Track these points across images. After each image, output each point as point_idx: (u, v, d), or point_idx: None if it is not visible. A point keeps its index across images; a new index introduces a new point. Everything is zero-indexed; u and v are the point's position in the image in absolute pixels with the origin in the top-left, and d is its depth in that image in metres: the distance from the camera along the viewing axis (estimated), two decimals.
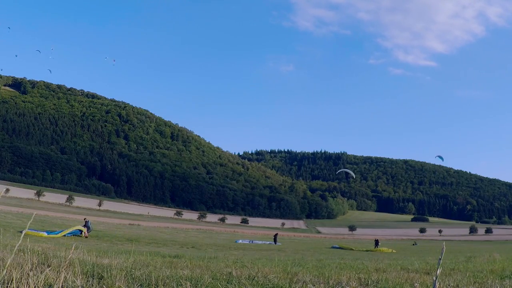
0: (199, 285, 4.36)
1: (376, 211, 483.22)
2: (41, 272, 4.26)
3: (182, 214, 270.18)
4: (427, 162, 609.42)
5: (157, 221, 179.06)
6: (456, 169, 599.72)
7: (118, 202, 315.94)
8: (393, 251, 67.16)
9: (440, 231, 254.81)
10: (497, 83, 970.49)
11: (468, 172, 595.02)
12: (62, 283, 3.64)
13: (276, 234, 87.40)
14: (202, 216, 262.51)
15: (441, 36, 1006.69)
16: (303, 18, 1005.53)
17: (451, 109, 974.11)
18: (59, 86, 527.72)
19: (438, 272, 3.83)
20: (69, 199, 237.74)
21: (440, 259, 3.77)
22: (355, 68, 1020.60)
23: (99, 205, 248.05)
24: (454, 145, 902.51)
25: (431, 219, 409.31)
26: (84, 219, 56.39)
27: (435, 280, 3.81)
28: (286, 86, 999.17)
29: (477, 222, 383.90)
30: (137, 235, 64.45)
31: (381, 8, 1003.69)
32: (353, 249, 70.16)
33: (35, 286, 3.39)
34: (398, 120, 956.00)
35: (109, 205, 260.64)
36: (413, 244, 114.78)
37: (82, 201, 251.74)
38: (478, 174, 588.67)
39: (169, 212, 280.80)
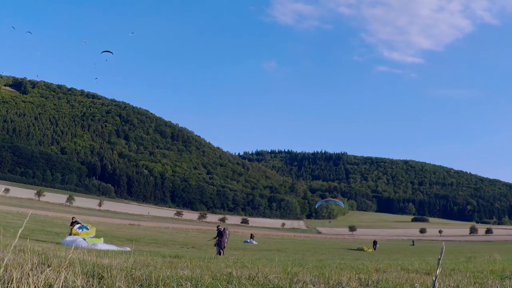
0: (199, 285, 4.37)
1: (376, 211, 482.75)
2: (41, 272, 4.26)
3: (182, 214, 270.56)
4: (427, 162, 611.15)
5: (157, 221, 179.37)
6: (456, 169, 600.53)
7: (118, 202, 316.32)
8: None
9: (440, 232, 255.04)
10: (490, 81, 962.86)
11: (468, 172, 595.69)
12: (62, 283, 3.64)
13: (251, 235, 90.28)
14: (202, 216, 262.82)
15: (426, 31, 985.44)
16: (282, 13, 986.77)
17: (446, 108, 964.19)
18: (59, 86, 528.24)
19: (437, 272, 3.84)
20: (69, 199, 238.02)
21: (439, 259, 3.79)
22: (340, 65, 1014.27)
23: (99, 205, 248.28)
24: (454, 145, 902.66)
25: (431, 219, 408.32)
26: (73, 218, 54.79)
27: (435, 280, 3.83)
28: (274, 84, 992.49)
29: (477, 222, 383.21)
30: (137, 235, 64.48)
31: (362, 2, 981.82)
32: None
33: (35, 286, 3.39)
34: (395, 120, 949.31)
35: (109, 205, 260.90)
36: (411, 245, 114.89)
37: (83, 201, 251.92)
38: (479, 175, 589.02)
39: (169, 212, 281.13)
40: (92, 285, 4.07)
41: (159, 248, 29.78)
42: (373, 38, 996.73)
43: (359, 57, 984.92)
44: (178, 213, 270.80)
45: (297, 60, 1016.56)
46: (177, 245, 40.49)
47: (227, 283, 4.44)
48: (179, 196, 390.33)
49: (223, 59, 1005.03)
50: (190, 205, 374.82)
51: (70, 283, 3.82)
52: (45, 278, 3.65)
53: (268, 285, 4.69)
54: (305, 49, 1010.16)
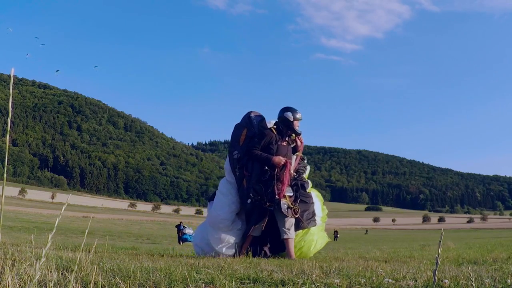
0: (173, 275, 4.38)
1: (330, 201, 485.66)
2: (17, 267, 4.14)
3: (136, 206, 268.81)
4: (380, 152, 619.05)
5: (111, 213, 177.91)
6: (409, 159, 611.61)
7: (72, 194, 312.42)
8: None
9: (393, 220, 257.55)
10: (434, 70, 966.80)
11: (421, 162, 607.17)
12: (38, 278, 3.60)
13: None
14: (156, 208, 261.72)
15: (363, 17, 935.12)
16: None
17: (392, 96, 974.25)
18: (9, 76, 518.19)
19: (437, 265, 3.84)
20: (22, 192, 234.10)
21: (440, 241, 3.84)
22: (277, 51, 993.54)
23: (52, 197, 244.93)
24: (407, 135, 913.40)
25: (384, 208, 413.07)
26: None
27: (435, 271, 3.82)
28: (212, 71, 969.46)
29: (430, 211, 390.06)
30: (91, 228, 63.75)
31: None
32: None
33: (11, 282, 3.35)
34: (346, 109, 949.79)
35: (62, 197, 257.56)
36: (365, 233, 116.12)
37: (35, 194, 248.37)
38: (431, 164, 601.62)
39: (123, 204, 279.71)
40: (68, 279, 3.96)
41: (114, 240, 29.49)
42: (309, 23, 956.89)
43: (296, 43, 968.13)
44: (132, 205, 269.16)
45: (232, 46, 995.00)
46: (132, 237, 40.22)
47: (196, 272, 4.45)
48: (132, 187, 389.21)
49: (162, 46, 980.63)
50: (143, 196, 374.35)
51: (48, 277, 3.79)
52: (21, 274, 3.62)
53: (236, 274, 4.69)
54: (240, 35, 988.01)
